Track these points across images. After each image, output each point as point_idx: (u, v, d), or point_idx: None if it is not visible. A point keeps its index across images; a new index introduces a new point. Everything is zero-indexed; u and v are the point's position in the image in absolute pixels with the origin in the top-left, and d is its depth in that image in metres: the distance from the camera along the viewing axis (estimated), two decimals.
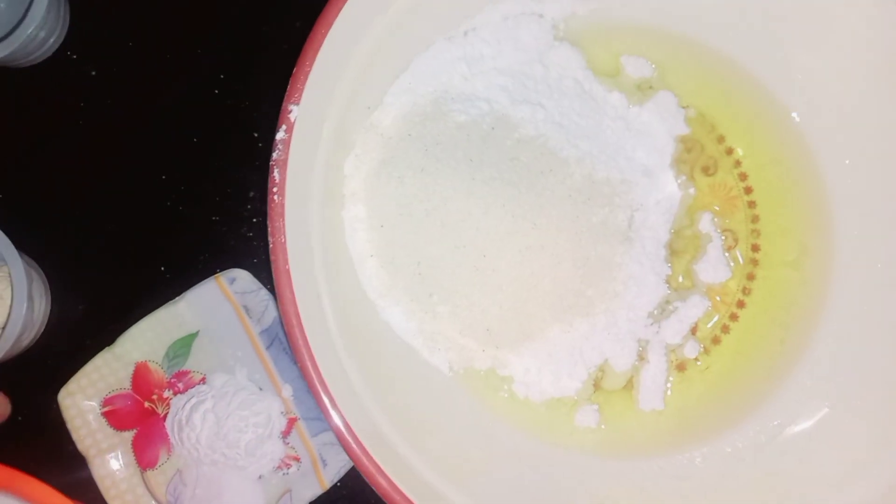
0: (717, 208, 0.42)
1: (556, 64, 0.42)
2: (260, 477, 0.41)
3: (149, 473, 0.40)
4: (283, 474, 0.41)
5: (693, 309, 0.41)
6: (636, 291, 0.40)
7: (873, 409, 0.37)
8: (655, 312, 0.41)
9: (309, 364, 0.31)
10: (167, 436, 0.41)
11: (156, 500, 0.40)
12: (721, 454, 0.39)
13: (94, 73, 0.46)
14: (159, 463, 0.41)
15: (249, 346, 0.41)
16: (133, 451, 0.41)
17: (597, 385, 0.40)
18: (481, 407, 0.39)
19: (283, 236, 0.31)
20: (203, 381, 0.41)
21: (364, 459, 0.32)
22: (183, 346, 0.41)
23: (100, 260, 0.44)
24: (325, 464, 0.41)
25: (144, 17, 0.46)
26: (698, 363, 0.41)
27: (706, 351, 0.41)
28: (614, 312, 0.40)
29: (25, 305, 0.38)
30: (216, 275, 0.42)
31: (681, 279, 0.41)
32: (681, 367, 0.41)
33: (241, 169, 0.44)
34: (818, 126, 0.42)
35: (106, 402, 0.41)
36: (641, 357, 0.40)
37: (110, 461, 0.40)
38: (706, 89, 0.43)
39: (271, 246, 0.31)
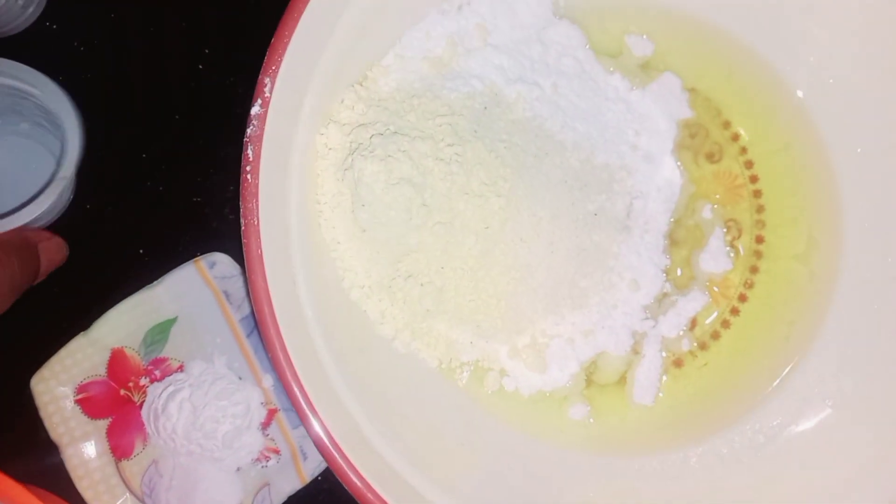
0: (720, 197, 0.40)
1: (555, 42, 0.40)
2: (238, 469, 0.39)
3: (123, 463, 0.39)
4: (262, 467, 0.39)
5: (692, 302, 0.39)
6: (633, 283, 0.38)
7: (879, 411, 0.36)
8: (653, 305, 0.39)
9: (281, 356, 0.29)
10: (143, 425, 0.39)
11: (130, 490, 0.39)
12: (717, 454, 0.37)
13: (74, 44, 0.44)
14: (134, 453, 0.39)
15: (229, 333, 0.40)
16: (107, 440, 0.39)
17: (589, 379, 0.39)
18: (468, 401, 0.38)
19: (256, 218, 0.29)
20: (181, 368, 0.40)
21: (338, 458, 0.30)
22: (161, 332, 0.40)
23: (77, 241, 0.42)
24: (305, 457, 0.39)
25: None
26: (696, 359, 0.39)
27: (704, 346, 0.39)
28: (609, 304, 0.38)
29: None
30: (196, 258, 0.40)
31: (680, 271, 0.39)
32: (677, 363, 0.39)
33: (224, 147, 0.43)
34: (829, 112, 0.40)
35: (80, 389, 0.39)
36: (636, 351, 0.39)
37: (84, 450, 0.39)
38: (713, 72, 0.41)
39: (243, 228, 0.29)
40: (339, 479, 0.30)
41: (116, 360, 0.40)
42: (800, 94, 0.40)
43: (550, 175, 0.37)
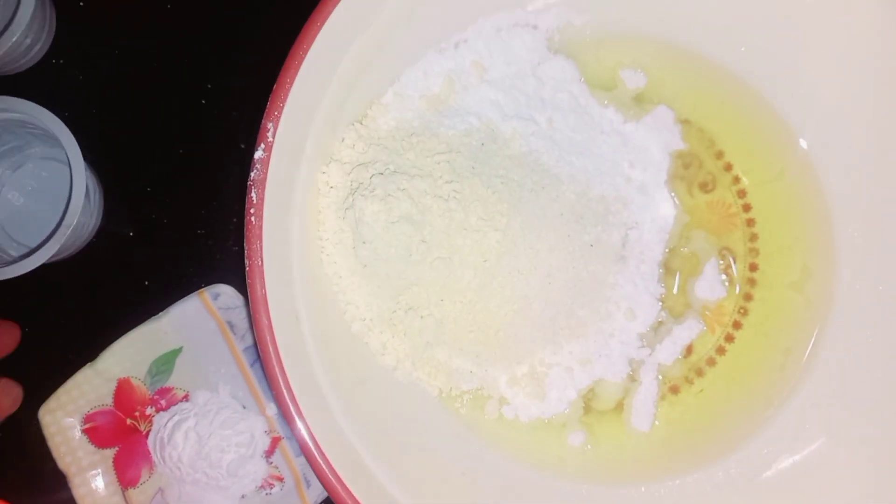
0: (713, 226, 0.41)
1: (550, 77, 0.40)
2: (243, 497, 0.40)
3: (130, 492, 0.40)
4: (266, 494, 0.40)
5: (687, 330, 0.40)
6: (629, 312, 0.39)
7: (874, 440, 0.36)
8: (649, 333, 0.39)
9: (284, 391, 0.30)
10: (149, 454, 0.40)
11: None
12: (713, 482, 0.38)
13: (80, 80, 0.45)
14: (141, 481, 0.40)
15: (233, 362, 0.41)
16: (114, 470, 0.40)
17: (587, 406, 0.39)
18: (467, 429, 0.38)
19: (259, 259, 0.30)
20: (186, 398, 0.41)
21: (339, 489, 0.31)
22: (166, 363, 0.41)
23: (82, 274, 0.43)
24: (308, 484, 0.40)
25: (131, 25, 0.45)
26: (692, 385, 0.40)
27: (700, 373, 0.40)
28: (606, 333, 0.39)
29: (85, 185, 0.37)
30: (200, 290, 0.41)
31: (675, 300, 0.40)
32: (674, 389, 0.40)
33: (227, 181, 0.43)
34: (821, 142, 0.40)
35: (87, 419, 0.40)
36: (633, 378, 0.39)
37: (91, 480, 0.40)
38: (706, 103, 0.42)
39: (248, 269, 0.30)
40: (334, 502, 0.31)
41: (123, 391, 0.40)
42: (792, 123, 0.41)
43: (547, 208, 0.38)
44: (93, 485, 0.40)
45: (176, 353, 0.41)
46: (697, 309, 0.40)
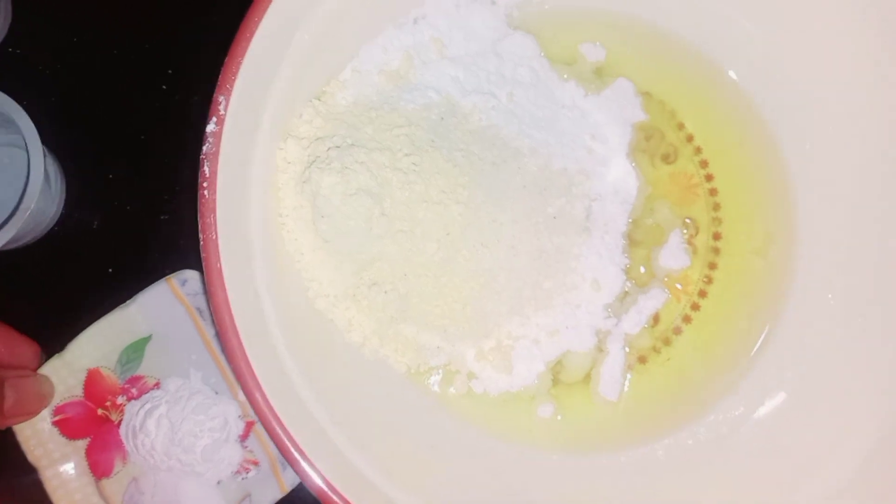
0: (676, 196, 0.41)
1: (510, 53, 0.41)
2: (218, 482, 0.40)
3: (104, 482, 0.39)
4: (242, 479, 0.40)
5: (653, 300, 0.40)
6: (595, 283, 0.39)
7: (834, 396, 0.37)
8: (615, 304, 0.40)
9: (243, 367, 0.30)
10: (122, 443, 0.40)
11: None
12: (683, 447, 0.38)
13: (39, 68, 0.44)
14: (114, 471, 0.40)
15: (204, 348, 0.40)
16: (87, 460, 0.40)
17: (556, 378, 0.39)
18: (436, 405, 0.38)
19: (214, 233, 0.29)
20: (157, 385, 0.40)
21: (305, 466, 0.30)
22: (136, 351, 0.40)
23: (45, 262, 0.42)
24: (284, 467, 0.40)
25: (89, 11, 0.44)
26: (660, 354, 0.40)
27: (667, 342, 0.40)
28: (573, 304, 0.39)
29: (42, 172, 0.37)
30: (167, 276, 0.40)
31: (641, 270, 0.40)
32: (642, 359, 0.40)
33: (189, 166, 0.43)
34: (778, 110, 0.41)
35: (57, 411, 0.40)
36: (600, 349, 0.40)
37: (63, 471, 0.39)
38: (666, 76, 0.42)
39: (202, 243, 0.29)
40: (308, 489, 0.31)
41: (93, 381, 0.40)
42: (750, 93, 0.41)
43: (509, 181, 0.38)
44: (65, 477, 0.39)
45: (145, 340, 0.40)
46: (662, 279, 0.41)
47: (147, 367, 0.40)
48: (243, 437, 0.40)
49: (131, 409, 0.40)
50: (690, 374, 0.40)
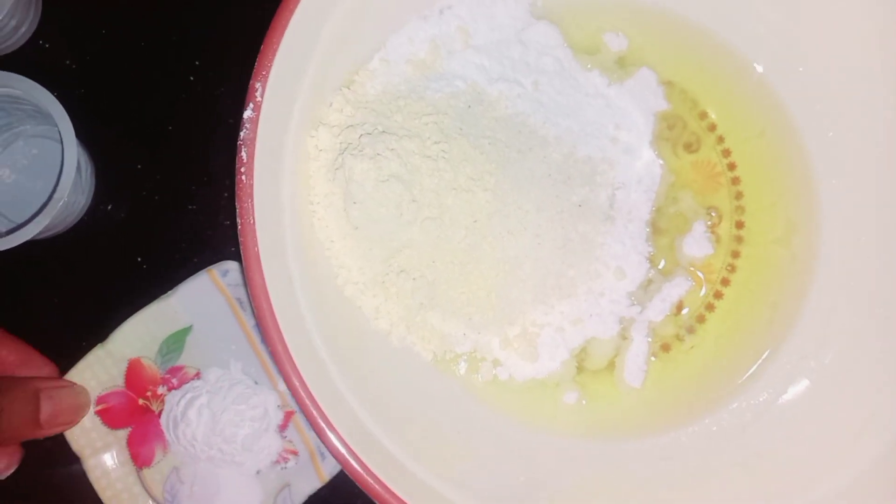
0: (699, 185, 0.41)
1: (534, 42, 0.41)
2: (258, 472, 0.40)
3: (145, 472, 0.40)
4: (282, 468, 0.40)
5: (676, 288, 0.40)
6: (618, 271, 0.40)
7: (858, 384, 0.37)
8: (638, 292, 0.40)
9: (281, 351, 0.30)
10: (162, 433, 0.40)
11: (153, 498, 0.39)
12: (707, 434, 0.39)
13: (67, 62, 0.45)
14: (155, 461, 0.40)
15: (244, 339, 0.40)
16: (128, 450, 0.40)
17: (580, 366, 0.40)
18: (463, 392, 0.39)
19: (251, 217, 0.30)
20: (198, 376, 0.41)
21: (348, 456, 0.31)
22: (176, 342, 0.40)
23: (77, 254, 0.43)
24: (323, 456, 0.40)
25: (117, 3, 0.45)
26: (683, 342, 0.40)
27: (691, 330, 0.40)
28: (596, 293, 0.40)
29: (76, 164, 0.37)
30: (209, 268, 0.41)
31: (663, 258, 0.41)
32: (665, 347, 0.40)
33: (216, 156, 0.44)
34: (800, 99, 0.41)
35: (99, 401, 0.40)
36: (624, 337, 0.40)
37: (105, 460, 0.40)
38: (688, 65, 0.42)
39: (240, 227, 0.30)
40: (347, 473, 0.31)
41: (134, 371, 0.40)
42: (772, 82, 0.42)
43: (534, 169, 0.38)
44: (107, 466, 0.40)
45: (186, 331, 0.40)
46: (686, 267, 0.41)
47: (187, 358, 0.41)
48: (283, 428, 0.40)
49: (172, 399, 0.40)
50: (714, 361, 0.40)
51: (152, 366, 0.40)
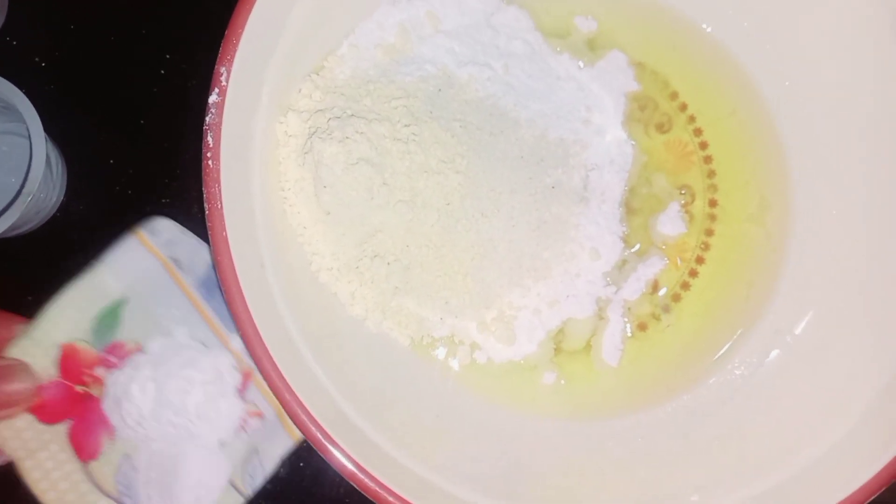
0: (672, 165, 0.42)
1: (504, 25, 0.41)
2: (221, 444, 0.36)
3: (92, 465, 0.36)
4: (247, 435, 0.36)
5: (651, 267, 0.40)
6: (593, 251, 0.40)
7: (832, 355, 0.37)
8: (614, 272, 0.40)
9: (253, 337, 0.30)
10: (107, 419, 0.36)
11: (104, 493, 0.36)
12: (687, 410, 0.39)
13: (36, 58, 0.45)
14: (102, 452, 0.36)
15: (186, 301, 0.36)
16: (70, 445, 0.36)
17: (558, 347, 0.40)
18: (441, 376, 0.39)
19: (219, 202, 0.30)
20: (139, 349, 0.36)
21: (320, 436, 0.31)
22: (111, 317, 0.36)
23: (48, 251, 0.43)
24: None
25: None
26: (660, 321, 0.41)
27: (666, 309, 0.41)
28: (572, 274, 0.40)
29: (44, 159, 0.36)
30: (135, 229, 0.36)
31: (638, 239, 0.41)
32: (642, 326, 0.40)
33: (189, 149, 0.43)
34: (770, 77, 0.41)
35: None
36: (601, 317, 0.40)
37: (44, 460, 0.36)
38: (657, 46, 0.42)
39: (207, 213, 0.30)
40: (329, 462, 0.31)
41: (68, 357, 0.36)
42: (741, 61, 0.42)
43: (507, 151, 0.38)
44: (47, 466, 0.36)
45: (120, 303, 0.36)
46: (660, 246, 0.41)
47: (126, 332, 0.36)
48: (242, 390, 0.37)
49: (113, 379, 0.36)
50: (690, 339, 0.40)
51: (87, 347, 0.36)
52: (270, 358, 0.31)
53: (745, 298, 0.41)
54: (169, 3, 0.45)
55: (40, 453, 0.35)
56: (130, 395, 0.35)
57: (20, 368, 0.35)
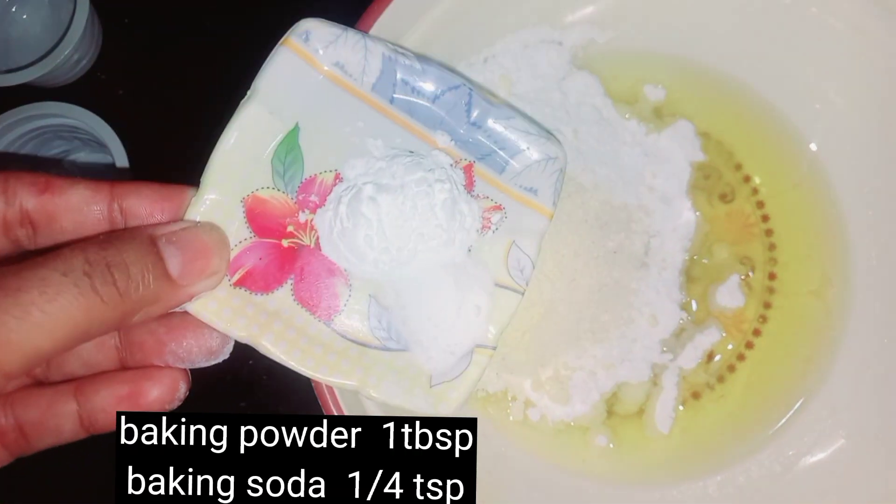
0: (733, 235, 0.42)
1: (574, 90, 0.42)
2: (469, 250, 0.31)
3: (337, 321, 0.29)
4: (493, 231, 0.31)
5: (708, 337, 0.41)
6: (652, 318, 0.40)
7: (891, 442, 0.37)
8: (671, 339, 0.41)
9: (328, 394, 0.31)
10: (334, 265, 0.30)
11: (358, 343, 0.29)
12: (735, 484, 0.39)
13: (121, 92, 0.47)
14: (342, 303, 0.29)
15: (368, 109, 0.30)
16: (303, 307, 0.29)
17: (610, 410, 0.40)
18: (493, 431, 0.39)
19: None
20: (339, 178, 0.30)
21: None
22: (290, 150, 0.29)
23: None
24: (535, 192, 0.31)
25: (172, 38, 0.47)
26: (713, 391, 0.41)
27: (721, 379, 0.41)
28: (629, 338, 0.40)
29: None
30: (284, 38, 0.29)
31: (696, 306, 0.41)
32: (696, 395, 0.41)
33: None
34: (835, 153, 0.42)
35: (232, 269, 0.28)
36: (655, 383, 0.40)
37: (282, 333, 0.28)
38: (723, 117, 0.43)
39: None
40: None
41: (255, 212, 0.29)
42: (805, 135, 0.42)
43: (572, 215, 0.39)
44: (289, 336, 0.28)
45: (294, 133, 0.30)
46: (718, 316, 0.41)
47: (313, 164, 0.30)
48: (469, 187, 0.31)
49: (323, 218, 0.30)
50: (743, 411, 0.40)
51: (275, 194, 0.29)
52: (337, 402, 0.33)
53: (802, 374, 0.41)
54: (249, 47, 0.47)
55: (274, 324, 0.28)
56: (363, 219, 0.29)
57: (207, 226, 0.28)
